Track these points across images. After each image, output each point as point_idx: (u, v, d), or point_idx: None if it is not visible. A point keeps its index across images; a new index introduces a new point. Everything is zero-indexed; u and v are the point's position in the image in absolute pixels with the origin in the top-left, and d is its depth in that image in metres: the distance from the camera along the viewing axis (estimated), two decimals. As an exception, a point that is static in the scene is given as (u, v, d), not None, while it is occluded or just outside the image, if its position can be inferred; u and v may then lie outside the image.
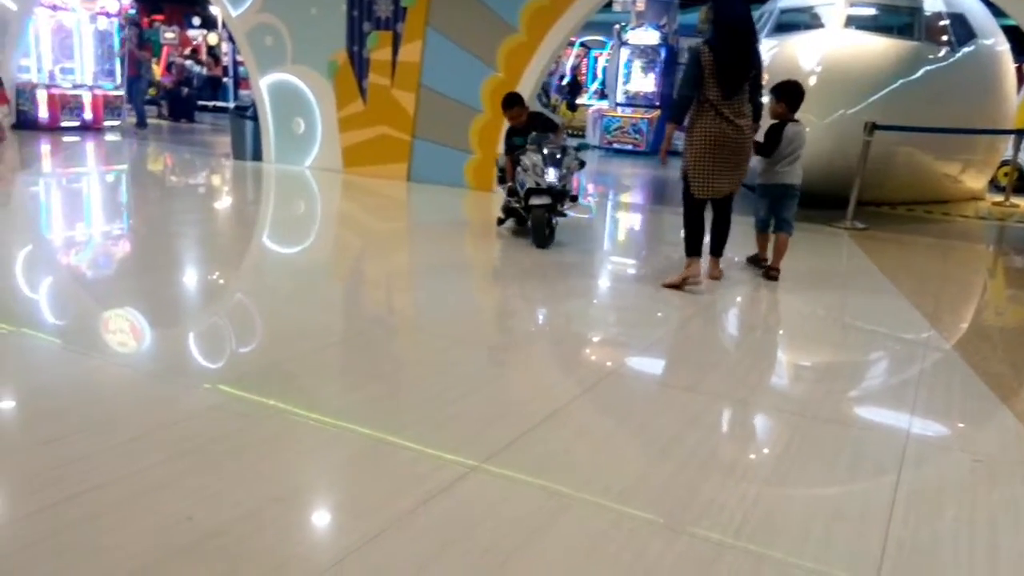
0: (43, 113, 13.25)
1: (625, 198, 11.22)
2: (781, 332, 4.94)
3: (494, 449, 2.80)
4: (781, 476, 2.78)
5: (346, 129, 10.36)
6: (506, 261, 6.57)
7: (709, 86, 5.09)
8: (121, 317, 4.36)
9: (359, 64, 10.04)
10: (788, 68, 9.08)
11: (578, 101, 20.54)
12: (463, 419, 3.11)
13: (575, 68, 21.96)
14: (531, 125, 6.89)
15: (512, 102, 7.03)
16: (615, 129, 16.84)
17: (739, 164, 5.28)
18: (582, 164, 7.09)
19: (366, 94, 10.09)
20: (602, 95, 20.13)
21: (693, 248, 5.45)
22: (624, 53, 16.82)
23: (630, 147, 16.59)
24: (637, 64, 16.76)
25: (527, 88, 9.16)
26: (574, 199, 7.06)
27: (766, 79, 5.87)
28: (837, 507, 2.60)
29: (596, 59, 22.44)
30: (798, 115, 5.82)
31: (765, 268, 5.96)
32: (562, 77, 20.89)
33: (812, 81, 8.79)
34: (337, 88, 10.24)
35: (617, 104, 17.09)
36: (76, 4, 13.80)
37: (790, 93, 5.73)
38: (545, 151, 6.55)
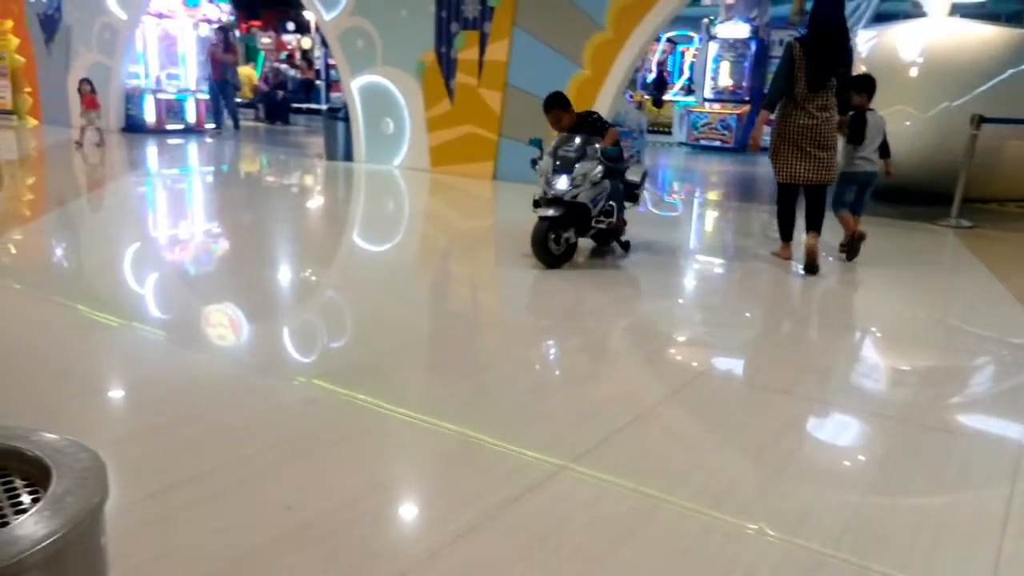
0: (150, 117, 13.94)
1: (712, 195, 11.00)
2: (880, 334, 4.74)
3: (582, 449, 2.79)
4: (884, 485, 2.67)
5: (433, 129, 10.51)
6: (592, 259, 6.53)
7: (798, 80, 5.55)
8: (220, 312, 4.54)
9: (446, 64, 10.17)
10: (888, 59, 8.72)
11: (664, 97, 20.24)
12: (550, 418, 3.11)
13: (661, 64, 21.64)
14: (577, 128, 5.86)
15: (550, 104, 5.93)
16: (703, 125, 16.52)
17: (821, 154, 5.65)
18: (639, 182, 6.13)
19: (453, 94, 10.20)
20: (689, 91, 19.78)
21: (785, 233, 6.07)
22: (712, 47, 16.48)
23: (718, 143, 16.25)
24: (726, 58, 16.39)
25: (613, 86, 9.09)
26: (611, 226, 5.86)
27: (862, 71, 6.28)
28: (945, 519, 2.47)
29: (683, 54, 22.06)
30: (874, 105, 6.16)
31: (850, 247, 6.22)
32: (648, 73, 20.64)
33: (914, 73, 8.41)
34: (425, 88, 10.40)
35: (705, 100, 16.76)
36: (180, 12, 14.46)
37: (869, 85, 6.07)
38: (560, 155, 5.63)
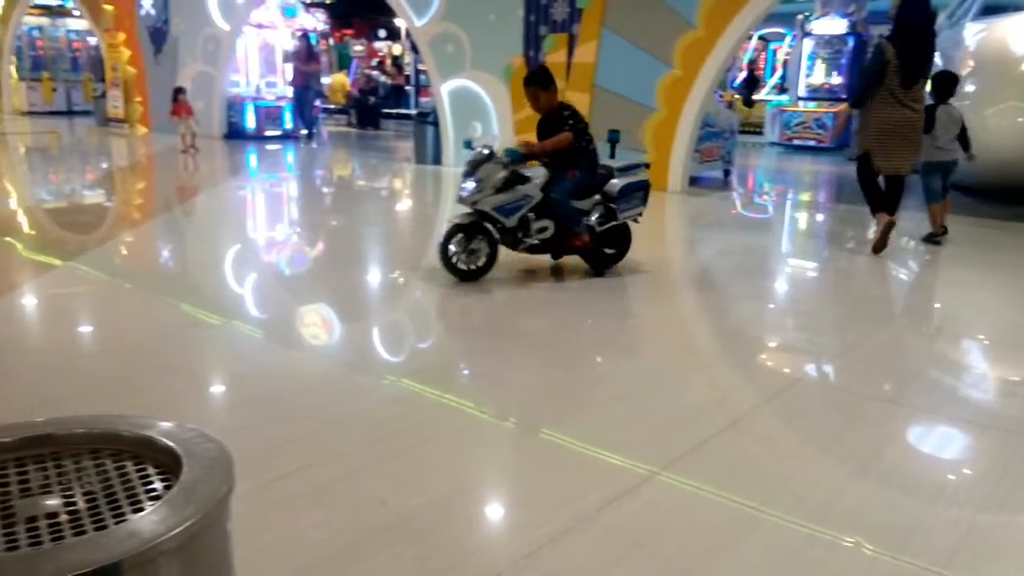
0: (250, 123, 14.51)
1: (806, 196, 10.66)
2: (990, 341, 4.50)
3: (675, 455, 2.74)
4: (999, 501, 2.53)
5: (522, 131, 10.54)
6: (678, 261, 6.44)
7: (891, 76, 5.81)
8: (314, 312, 4.69)
9: (535, 67, 10.20)
10: (998, 53, 8.25)
11: (755, 97, 19.74)
12: (642, 422, 3.07)
13: (752, 62, 21.12)
14: (548, 118, 5.23)
15: (528, 80, 5.25)
16: (796, 125, 16.02)
17: (914, 143, 6.02)
18: (615, 195, 5.24)
19: (541, 97, 10.22)
20: (781, 89, 19.24)
21: (876, 206, 6.29)
22: (807, 44, 15.97)
23: (813, 143, 15.73)
24: (821, 56, 15.86)
25: (703, 86, 8.93)
26: (582, 243, 5.22)
27: (971, 66, 6.80)
28: (1068, 541, 2.32)
29: (775, 52, 21.46)
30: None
31: (940, 233, 6.64)
32: (739, 72, 20.18)
33: (1027, 67, 7.93)
34: (513, 91, 10.45)
35: (799, 98, 16.26)
36: (279, 22, 15.01)
37: (947, 80, 6.55)
38: (473, 155, 5.06)
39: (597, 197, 5.25)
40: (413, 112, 18.90)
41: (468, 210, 5.02)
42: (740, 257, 6.41)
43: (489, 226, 5.01)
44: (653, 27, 9.11)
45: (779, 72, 20.61)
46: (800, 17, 16.23)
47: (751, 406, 3.31)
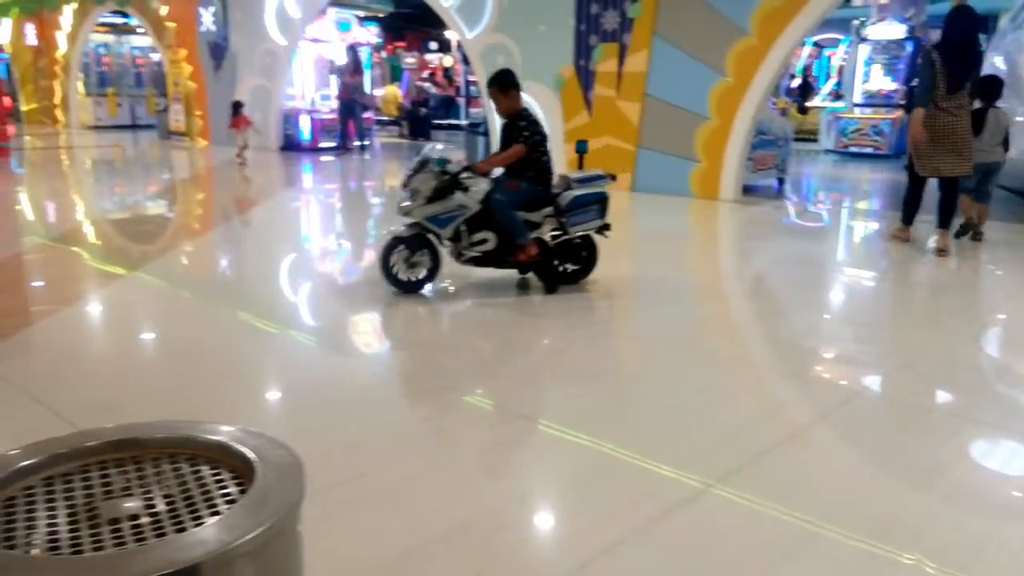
0: (305, 136, 14.81)
1: (862, 205, 10.43)
2: (1061, 356, 4.34)
3: (730, 468, 2.71)
4: (1070, 522, 2.44)
5: (572, 141, 10.56)
6: (730, 270, 6.37)
7: (938, 83, 6.10)
8: (365, 320, 4.76)
9: (585, 77, 10.21)
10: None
11: (809, 104, 19.41)
12: (694, 436, 3.04)
13: (806, 69, 20.78)
14: (506, 123, 5.12)
15: (489, 82, 5.12)
16: (852, 132, 15.70)
17: (957, 148, 6.17)
18: (565, 207, 4.94)
19: (591, 106, 10.23)
20: (837, 96, 18.88)
21: (907, 217, 6.77)
22: (863, 50, 15.66)
23: (870, 150, 15.40)
24: (878, 61, 15.54)
25: (757, 93, 8.83)
26: (525, 258, 4.96)
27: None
28: None
29: (829, 58, 21.08)
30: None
31: (973, 231, 6.89)
32: (792, 79, 19.87)
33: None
34: (564, 101, 10.48)
35: (855, 105, 15.94)
36: (334, 36, 15.29)
37: (992, 85, 6.85)
38: (411, 165, 4.95)
39: (550, 210, 4.98)
40: (463, 123, 19.07)
41: (411, 221, 4.89)
42: (794, 266, 6.32)
43: (432, 237, 4.91)
44: (705, 35, 9.04)
45: (834, 78, 20.25)
46: (856, 23, 15.93)
47: (808, 419, 3.26)
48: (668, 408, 3.33)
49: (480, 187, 4.90)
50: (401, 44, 24.44)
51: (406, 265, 4.90)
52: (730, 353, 4.29)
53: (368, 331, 4.62)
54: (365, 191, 11.41)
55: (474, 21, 11.17)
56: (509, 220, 4.88)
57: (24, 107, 20.99)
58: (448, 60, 23.10)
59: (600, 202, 5.07)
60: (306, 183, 11.86)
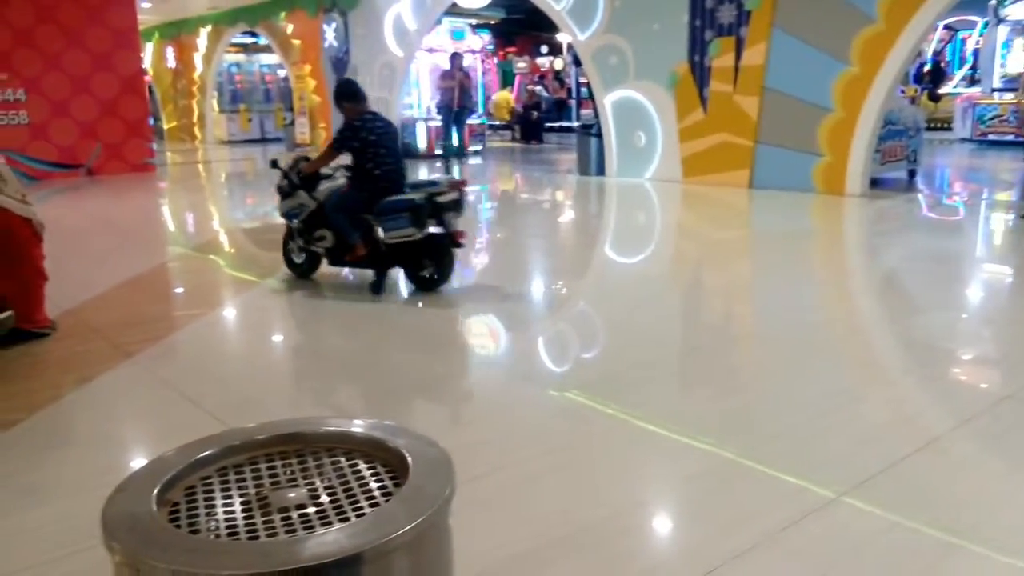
0: (421, 143, 15.23)
1: (1002, 196, 9.75)
2: None
3: (863, 477, 2.61)
4: None
5: (686, 139, 10.40)
6: (858, 268, 6.10)
7: None
8: (480, 322, 4.86)
9: (700, 73, 10.03)
10: None
11: (941, 90, 18.29)
12: (825, 441, 2.95)
13: (937, 54, 19.59)
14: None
15: (333, 95, 5.52)
16: (991, 118, 14.71)
17: None
18: (420, 202, 4.95)
19: (707, 102, 10.04)
20: (972, 81, 17.72)
21: None
22: (1002, 31, 14.66)
23: (1010, 137, 14.37)
24: (1019, 42, 14.48)
25: (885, 82, 8.42)
26: (353, 255, 5.25)
27: None
28: None
29: (963, 41, 19.79)
30: None
31: None
32: (922, 65, 18.78)
33: None
34: (678, 99, 10.33)
35: (993, 89, 14.93)
36: (449, 45, 15.66)
37: None
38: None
39: (406, 214, 5.01)
40: (575, 125, 19.07)
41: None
42: (928, 263, 5.99)
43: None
44: (828, 24, 8.71)
45: (968, 63, 19.01)
46: (993, 2, 14.92)
47: (947, 427, 3.09)
48: (795, 412, 3.24)
49: (325, 188, 5.35)
50: (512, 49, 24.71)
51: (296, 250, 5.63)
52: (861, 355, 4.12)
53: (482, 332, 4.71)
54: (479, 195, 11.60)
55: (586, 22, 11.18)
56: (334, 220, 5.23)
57: (166, 125, 22.58)
58: (559, 63, 23.17)
59: (410, 210, 4.94)
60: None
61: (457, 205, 5.07)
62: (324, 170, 5.46)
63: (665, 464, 2.84)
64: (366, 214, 5.14)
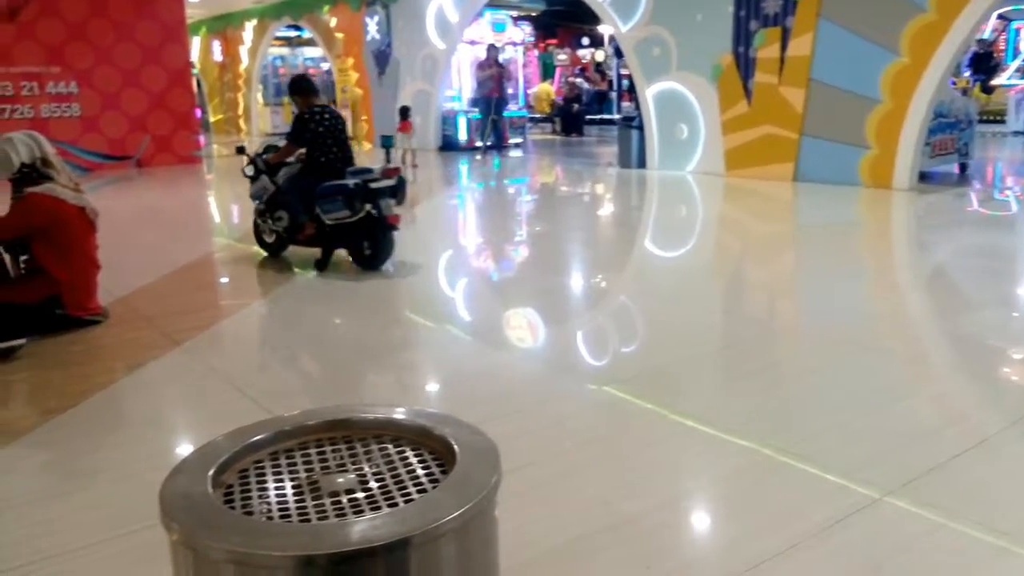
0: (462, 136, 15.27)
1: (1062, 191, 9.46)
2: None
3: (908, 477, 2.56)
4: None
5: (729, 131, 10.28)
6: (905, 263, 5.98)
7: None
8: (520, 315, 4.87)
9: (744, 64, 9.89)
10: None
11: (994, 82, 17.78)
12: (870, 439, 2.90)
13: (991, 44, 19.03)
14: None
15: (290, 88, 6.07)
16: (1047, 110, 14.26)
17: None
18: (353, 188, 5.42)
19: (751, 94, 9.89)
20: (1029, 72, 17.20)
21: None
22: (1062, 19, 14.16)
23: (1069, 130, 13.93)
24: (1080, 30, 14.00)
25: (936, 74, 8.22)
26: (301, 237, 5.90)
27: None
28: None
29: (1017, 31, 19.19)
30: None
31: None
32: (975, 56, 18.27)
33: None
34: (721, 91, 10.21)
35: (1051, 81, 14.46)
36: (490, 37, 15.66)
37: None
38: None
39: (340, 198, 5.48)
40: (616, 117, 18.94)
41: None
42: (978, 259, 5.84)
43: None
44: (878, 13, 8.52)
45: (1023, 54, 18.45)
46: (1052, -11, 14.43)
47: (997, 427, 3.02)
48: (839, 409, 3.19)
49: (283, 173, 5.90)
50: (553, 41, 24.61)
51: (268, 231, 6.15)
52: (908, 351, 4.04)
53: (521, 325, 4.73)
54: (519, 187, 11.60)
55: (629, 14, 11.09)
56: (286, 201, 5.84)
57: (212, 118, 22.98)
58: (600, 55, 23.02)
59: (343, 194, 5.40)
60: (463, 181, 12.22)
61: (393, 191, 5.55)
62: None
63: (704, 459, 2.83)
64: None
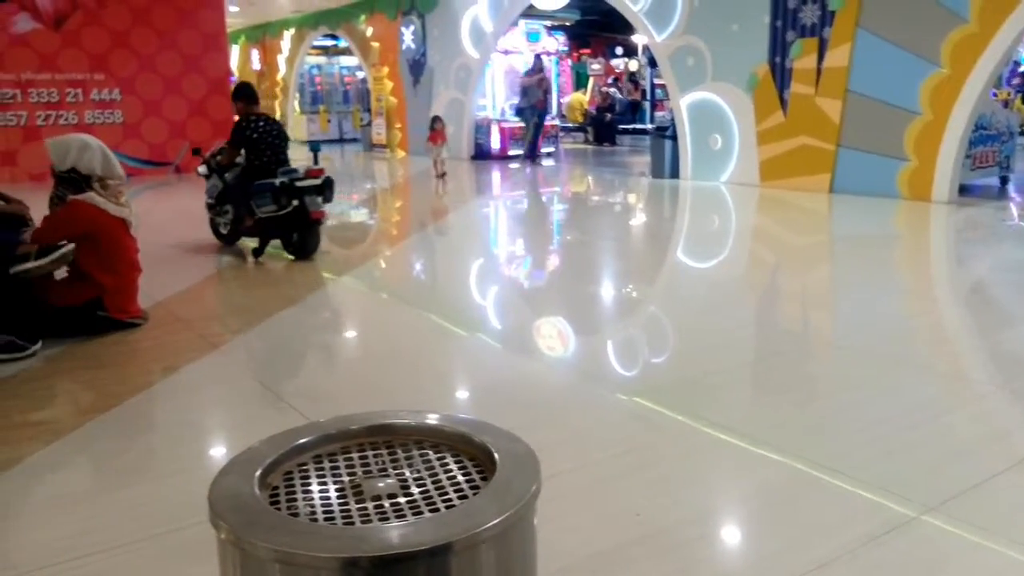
0: (495, 144, 15.35)
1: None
2: None
3: (947, 495, 2.52)
4: None
5: (764, 142, 10.21)
6: (947, 278, 5.88)
7: None
8: (551, 325, 4.88)
9: (780, 75, 9.83)
10: None
11: (1038, 93, 17.44)
12: (907, 456, 2.86)
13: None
14: None
15: (233, 94, 6.78)
16: (1093, 123, 13.95)
17: None
18: (287, 184, 6.19)
19: (787, 105, 9.83)
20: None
21: None
22: (1109, 30, 13.86)
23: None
24: None
25: (977, 85, 8.10)
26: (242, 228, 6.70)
27: None
28: None
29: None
30: None
31: None
32: (1016, 66, 17.95)
33: None
34: (757, 101, 10.15)
35: (1096, 93, 14.16)
36: (524, 47, 15.74)
37: None
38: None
39: (268, 194, 6.21)
40: (649, 127, 18.90)
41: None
42: (1019, 274, 5.73)
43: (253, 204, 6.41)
44: (917, 24, 8.43)
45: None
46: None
47: (1041, 444, 2.96)
48: (875, 424, 3.15)
49: (231, 173, 6.60)
50: (587, 51, 24.66)
51: (223, 225, 6.90)
52: (947, 367, 3.98)
53: (552, 335, 4.73)
54: (552, 197, 11.63)
55: (664, 23, 11.09)
56: (231, 198, 6.61)
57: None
58: (633, 64, 23.01)
59: (271, 191, 6.15)
60: (496, 191, 12.27)
61: (319, 189, 6.26)
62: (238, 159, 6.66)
63: (738, 472, 2.81)
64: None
